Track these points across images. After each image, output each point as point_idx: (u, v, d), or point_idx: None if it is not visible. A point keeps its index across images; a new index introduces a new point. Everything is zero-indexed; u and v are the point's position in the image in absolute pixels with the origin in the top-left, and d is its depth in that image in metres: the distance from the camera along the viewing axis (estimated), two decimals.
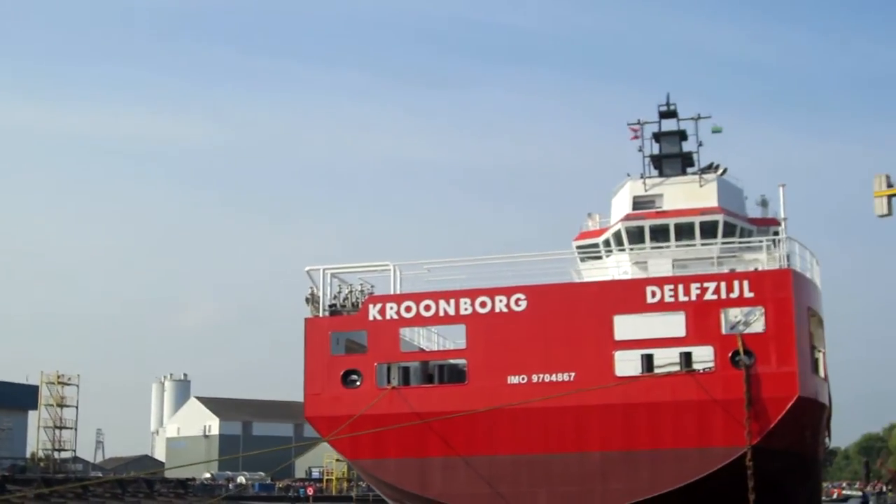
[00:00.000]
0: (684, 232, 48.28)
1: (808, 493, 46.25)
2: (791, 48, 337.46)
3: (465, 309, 41.39)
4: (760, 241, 44.61)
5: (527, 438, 39.92)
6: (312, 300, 43.74)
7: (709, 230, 47.91)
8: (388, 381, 42.01)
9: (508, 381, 40.14)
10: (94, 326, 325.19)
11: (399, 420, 40.53)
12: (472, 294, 41.49)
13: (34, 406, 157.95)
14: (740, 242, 46.21)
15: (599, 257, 50.12)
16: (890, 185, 51.38)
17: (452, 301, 41.60)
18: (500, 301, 41.05)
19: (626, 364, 39.55)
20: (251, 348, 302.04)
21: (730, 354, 38.53)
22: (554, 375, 39.82)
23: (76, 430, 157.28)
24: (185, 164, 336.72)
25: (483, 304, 41.20)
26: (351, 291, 43.95)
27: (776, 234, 50.30)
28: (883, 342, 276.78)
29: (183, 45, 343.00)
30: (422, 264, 43.44)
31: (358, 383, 41.87)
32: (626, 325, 39.77)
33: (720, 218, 48.17)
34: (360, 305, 42.99)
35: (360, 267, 44.19)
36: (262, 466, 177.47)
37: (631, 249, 48.70)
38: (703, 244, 47.09)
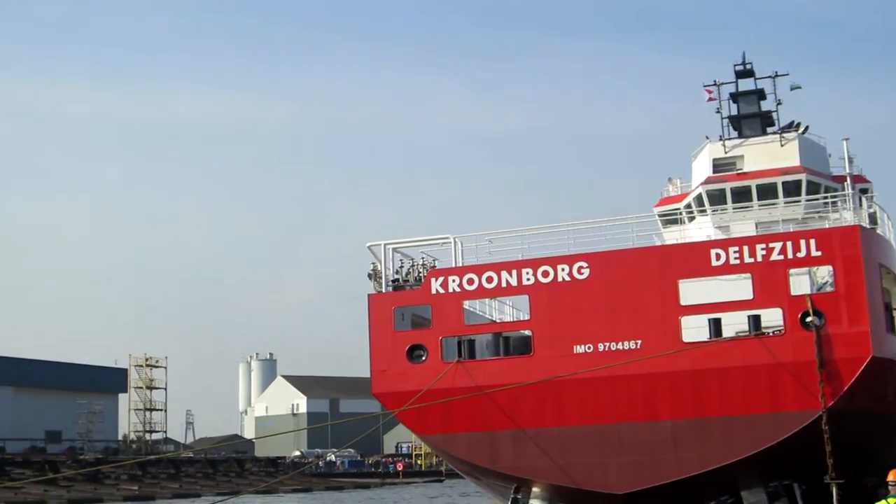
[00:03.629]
0: (767, 193, 47.53)
1: (893, 458, 45.12)
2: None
3: (528, 279, 40.77)
4: (831, 198, 43.66)
5: (595, 408, 39.28)
6: (375, 276, 43.39)
7: (792, 190, 47.16)
8: (460, 354, 41.52)
9: (574, 351, 39.50)
10: (180, 308, 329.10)
11: (465, 393, 40.10)
12: (534, 264, 40.86)
13: (124, 389, 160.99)
14: (825, 200, 45.10)
15: (682, 222, 49.46)
16: None
17: (514, 272, 41.00)
18: (563, 270, 40.38)
19: (694, 329, 38.69)
20: (336, 325, 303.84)
21: (799, 316, 37.40)
22: (620, 343, 39.07)
23: (166, 411, 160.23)
24: (266, 143, 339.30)
25: (545, 274, 40.55)
26: (413, 266, 43.55)
27: (864, 191, 49.46)
28: None
29: (257, 25, 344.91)
30: (483, 235, 42.92)
31: (423, 358, 41.42)
32: (691, 290, 38.93)
33: (803, 177, 47.38)
34: (422, 279, 42.57)
35: (422, 241, 43.74)
36: (352, 444, 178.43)
37: (713, 213, 47.97)
38: (786, 204, 46.23)
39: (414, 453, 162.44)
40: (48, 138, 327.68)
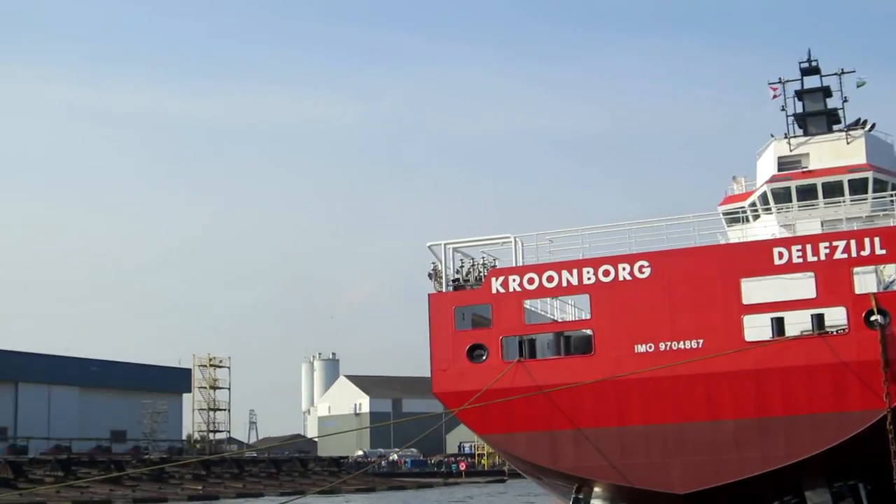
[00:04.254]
0: (832, 191, 47.13)
1: None
2: None
3: (589, 278, 40.64)
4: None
5: (656, 408, 39.06)
6: (435, 275, 43.41)
7: (858, 188, 46.74)
8: (521, 354, 41.43)
9: (636, 351, 39.33)
10: (243, 309, 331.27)
11: (525, 393, 40.03)
12: (595, 263, 40.71)
13: (188, 389, 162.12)
14: (892, 198, 44.65)
15: (747, 221, 49.19)
16: None
17: (575, 271, 40.88)
18: (624, 269, 40.23)
19: (756, 329, 38.38)
20: (398, 325, 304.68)
21: (863, 314, 37.01)
22: (682, 343, 38.84)
23: (229, 411, 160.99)
24: (327, 142, 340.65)
25: (606, 273, 40.39)
26: (473, 265, 43.51)
27: None
28: None
29: (321, 25, 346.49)
30: (543, 235, 42.83)
31: (483, 357, 41.37)
32: (754, 289, 38.63)
33: (869, 175, 46.95)
34: (482, 279, 42.54)
35: (482, 240, 43.70)
36: (414, 443, 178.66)
37: (778, 211, 47.64)
38: (852, 202, 45.84)
39: (477, 453, 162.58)
40: (150, 139, 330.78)
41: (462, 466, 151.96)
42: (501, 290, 41.58)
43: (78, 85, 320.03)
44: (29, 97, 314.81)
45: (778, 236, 44.28)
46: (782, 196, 48.12)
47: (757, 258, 39.13)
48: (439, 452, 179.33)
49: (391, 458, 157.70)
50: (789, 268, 38.43)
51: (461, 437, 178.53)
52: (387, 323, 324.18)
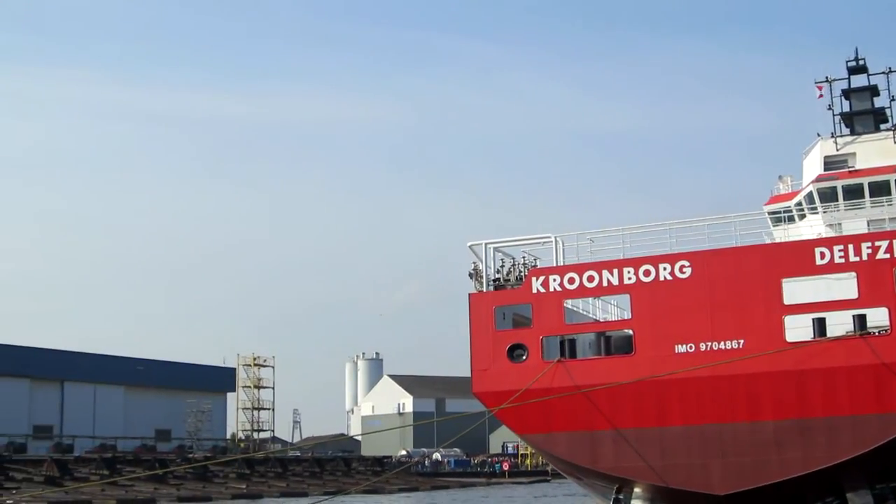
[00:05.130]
0: (879, 190, 46.79)
1: None
2: None
3: (629, 278, 40.59)
4: None
5: (697, 409, 38.97)
6: (476, 275, 43.46)
7: None
8: (561, 354, 41.40)
9: (676, 351, 39.24)
10: (288, 307, 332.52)
11: (565, 393, 39.99)
12: (636, 263, 40.67)
13: (232, 388, 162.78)
14: None
15: (793, 220, 48.97)
16: None
17: (616, 271, 40.85)
18: (665, 269, 40.16)
19: (798, 329, 38.21)
20: (442, 325, 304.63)
21: None
22: (722, 343, 38.75)
23: (273, 410, 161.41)
24: (370, 142, 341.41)
25: (647, 273, 40.35)
26: (514, 265, 43.51)
27: None
28: None
29: (362, 25, 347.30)
30: (584, 234, 42.79)
31: (524, 357, 41.40)
32: (795, 289, 38.45)
33: None
34: (523, 279, 42.53)
35: (522, 240, 43.71)
36: (457, 443, 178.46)
37: (824, 211, 47.40)
38: None
39: (520, 453, 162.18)
40: (196, 139, 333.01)
41: (505, 466, 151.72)
42: (542, 290, 41.60)
43: (122, 85, 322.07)
44: (72, 97, 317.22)
45: (824, 236, 44.02)
46: (828, 195, 47.84)
47: (798, 258, 38.97)
48: (482, 452, 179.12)
49: (434, 457, 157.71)
50: (831, 268, 38.24)
51: (504, 437, 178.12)
52: (431, 323, 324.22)
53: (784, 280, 38.62)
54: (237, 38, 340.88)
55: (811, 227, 47.04)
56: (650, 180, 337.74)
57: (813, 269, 38.44)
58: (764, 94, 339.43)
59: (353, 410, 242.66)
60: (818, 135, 52.14)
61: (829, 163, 49.98)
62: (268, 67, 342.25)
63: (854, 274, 37.82)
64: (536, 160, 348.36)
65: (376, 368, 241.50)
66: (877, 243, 37.98)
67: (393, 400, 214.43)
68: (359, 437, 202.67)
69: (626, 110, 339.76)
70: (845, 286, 37.86)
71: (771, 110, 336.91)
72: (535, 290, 41.71)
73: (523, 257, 43.60)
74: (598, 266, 41.25)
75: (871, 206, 46.30)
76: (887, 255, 37.62)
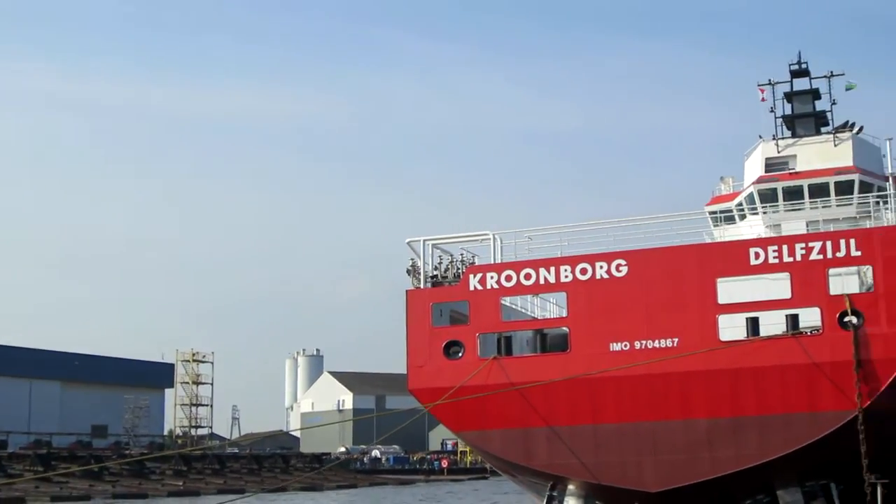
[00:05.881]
0: (819, 192, 47.24)
1: None
2: None
3: (566, 276, 40.68)
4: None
5: (631, 406, 39.14)
6: (414, 271, 43.37)
7: (844, 190, 46.89)
8: (497, 351, 41.50)
9: (611, 349, 39.40)
10: (227, 305, 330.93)
11: (499, 390, 40.03)
12: (573, 261, 40.76)
13: (171, 384, 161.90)
14: (877, 201, 44.82)
15: (734, 221, 49.30)
16: None
17: (553, 269, 40.92)
18: (601, 267, 40.29)
19: (731, 328, 38.51)
20: (383, 322, 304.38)
21: (837, 315, 37.19)
22: (657, 341, 38.95)
23: (212, 406, 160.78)
24: (314, 140, 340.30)
25: (584, 271, 40.46)
26: (452, 262, 43.48)
27: None
28: None
29: (299, 18, 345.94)
30: (522, 232, 42.84)
31: (460, 354, 41.37)
32: (729, 288, 38.73)
33: (856, 177, 47.10)
34: (461, 276, 42.53)
35: (461, 237, 43.70)
36: (396, 440, 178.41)
37: (764, 212, 47.76)
38: (838, 204, 46.01)
39: (459, 450, 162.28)
40: (134, 131, 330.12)
41: (444, 464, 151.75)
42: (479, 287, 41.60)
43: (57, 77, 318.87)
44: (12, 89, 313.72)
45: (763, 237, 44.39)
46: (769, 197, 48.23)
47: (733, 258, 39.26)
48: (422, 450, 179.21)
49: (373, 454, 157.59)
50: (765, 268, 38.55)
51: (444, 435, 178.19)
52: (373, 319, 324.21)
53: (719, 280, 38.88)
54: (169, 29, 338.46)
55: (751, 227, 47.40)
56: (604, 179, 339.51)
57: (747, 270, 38.73)
58: (715, 94, 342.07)
59: (292, 407, 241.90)
60: (760, 137, 52.60)
61: (770, 165, 50.37)
62: (201, 60, 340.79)
63: (787, 274, 38.15)
64: (485, 158, 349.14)
65: (316, 365, 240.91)
66: (810, 244, 38.29)
67: (333, 396, 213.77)
68: (298, 434, 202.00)
69: (578, 110, 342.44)
70: (779, 286, 38.19)
71: (715, 111, 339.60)
72: (472, 288, 41.71)
73: (461, 254, 43.58)
74: (536, 264, 41.29)
75: (811, 208, 46.70)
76: (820, 256, 37.94)
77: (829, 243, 38.16)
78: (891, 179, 43.46)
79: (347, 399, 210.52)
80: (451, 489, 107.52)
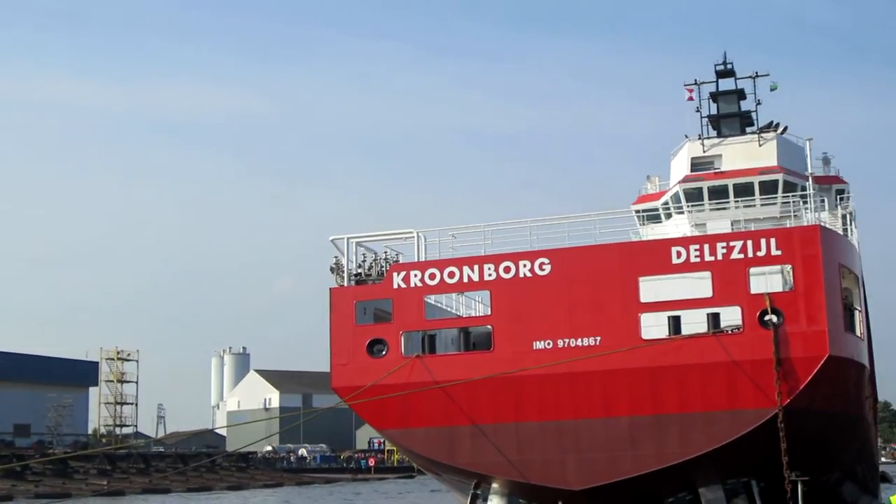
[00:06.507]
0: (744, 191, 47.84)
1: (854, 454, 45.30)
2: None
3: (489, 274, 40.61)
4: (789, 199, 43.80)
5: (554, 404, 39.18)
6: (337, 269, 43.12)
7: (769, 189, 47.48)
8: (422, 349, 41.41)
9: (534, 347, 39.39)
10: (151, 303, 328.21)
11: (422, 388, 39.94)
12: (496, 259, 40.69)
13: (95, 382, 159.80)
14: (802, 200, 45.27)
15: (660, 220, 49.50)
16: None
17: (476, 267, 40.83)
18: (525, 266, 40.25)
19: (653, 327, 38.67)
20: (310, 320, 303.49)
21: (758, 314, 37.45)
22: (579, 340, 39.00)
23: (137, 405, 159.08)
24: (224, 136, 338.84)
25: (507, 270, 40.41)
26: (376, 260, 43.30)
27: (840, 192, 49.79)
28: None
29: (223, 14, 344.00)
30: (447, 230, 42.71)
31: (384, 352, 41.18)
32: (652, 287, 38.86)
33: (780, 177, 47.75)
34: (385, 274, 42.36)
35: (385, 235, 43.53)
36: (324, 439, 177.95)
37: (690, 211, 48.01)
38: (763, 204, 46.36)
39: (386, 449, 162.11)
40: (59, 129, 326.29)
41: (371, 462, 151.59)
42: (403, 286, 41.44)
43: None
44: None
45: (689, 235, 44.61)
46: (694, 196, 48.63)
47: (655, 257, 39.41)
48: (349, 448, 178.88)
49: (300, 453, 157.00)
50: (687, 267, 38.70)
51: (371, 434, 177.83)
52: (300, 318, 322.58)
53: (641, 278, 39.00)
54: (99, 25, 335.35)
55: (677, 226, 47.72)
56: (548, 178, 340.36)
57: (669, 269, 38.86)
58: (639, 95, 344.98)
59: (218, 406, 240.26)
60: (686, 136, 52.98)
61: (696, 164, 50.80)
62: (124, 54, 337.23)
63: (709, 273, 38.34)
64: (423, 158, 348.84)
65: (243, 363, 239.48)
66: (731, 244, 38.51)
67: (259, 395, 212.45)
68: (224, 433, 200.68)
69: (520, 110, 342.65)
70: (700, 285, 38.37)
71: (644, 110, 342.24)
72: (395, 286, 41.54)
73: (385, 252, 43.41)
74: (459, 262, 41.19)
75: (736, 208, 47.02)
76: (741, 256, 38.17)
77: (749, 242, 38.42)
78: (811, 179, 43.82)
79: (274, 397, 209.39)
80: (377, 488, 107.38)
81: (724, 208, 47.65)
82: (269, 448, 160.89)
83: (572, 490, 38.87)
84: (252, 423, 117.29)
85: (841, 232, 43.39)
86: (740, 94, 54.36)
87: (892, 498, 23.89)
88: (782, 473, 36.46)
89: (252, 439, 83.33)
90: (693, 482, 39.01)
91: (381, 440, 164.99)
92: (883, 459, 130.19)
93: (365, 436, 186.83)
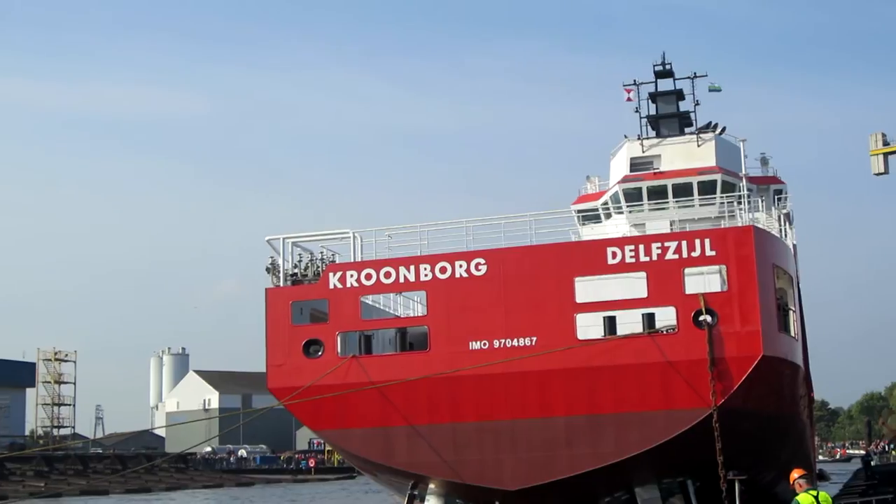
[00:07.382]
0: (683, 192, 48.07)
1: (790, 453, 45.60)
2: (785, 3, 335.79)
3: (426, 275, 40.53)
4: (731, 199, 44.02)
5: (489, 405, 39.13)
6: (273, 270, 42.92)
7: (707, 189, 47.78)
8: (358, 350, 41.38)
9: (470, 347, 39.35)
10: (90, 303, 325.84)
11: (358, 388, 39.82)
12: (433, 259, 40.61)
13: (32, 383, 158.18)
14: (739, 200, 45.53)
15: (599, 220, 49.62)
16: (886, 144, 51.35)
17: (412, 267, 40.72)
18: (461, 266, 40.20)
19: (589, 327, 38.79)
20: (250, 320, 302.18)
21: (692, 314, 37.62)
22: (515, 340, 38.98)
23: (75, 406, 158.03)
24: (171, 136, 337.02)
25: (443, 270, 40.33)
26: (312, 260, 43.11)
27: (778, 192, 50.17)
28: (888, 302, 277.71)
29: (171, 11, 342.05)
30: (383, 230, 42.60)
31: (320, 353, 40.98)
32: (587, 287, 38.94)
33: (718, 177, 48.11)
34: (321, 274, 42.17)
35: (321, 235, 43.37)
36: (264, 439, 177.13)
37: (629, 211, 48.15)
38: (701, 204, 46.56)
39: (327, 450, 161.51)
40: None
41: (311, 463, 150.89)
42: (339, 286, 41.26)
43: None
44: None
45: (628, 236, 44.72)
46: (634, 196, 48.86)
47: (591, 257, 39.45)
48: (290, 449, 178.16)
49: (240, 454, 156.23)
50: (622, 267, 38.78)
51: (311, 434, 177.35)
52: (241, 318, 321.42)
53: (576, 279, 39.05)
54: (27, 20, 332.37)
55: (616, 226, 47.87)
56: (481, 179, 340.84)
57: (605, 269, 38.91)
58: (578, 95, 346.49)
59: (157, 406, 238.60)
60: (625, 136, 53.18)
61: (635, 164, 51.05)
62: (59, 50, 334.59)
63: (644, 274, 38.46)
64: (356, 158, 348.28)
65: (182, 364, 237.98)
66: (666, 244, 38.63)
67: (199, 396, 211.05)
68: (163, 434, 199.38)
69: (452, 109, 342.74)
70: (636, 285, 38.49)
71: (583, 110, 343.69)
72: (332, 286, 41.35)
73: (321, 252, 43.24)
74: (396, 262, 41.07)
75: (675, 207, 47.23)
76: (676, 256, 38.28)
77: (684, 243, 38.53)
78: (744, 180, 44.13)
79: (213, 398, 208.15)
80: (318, 489, 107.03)
81: (664, 208, 47.88)
82: (209, 449, 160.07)
83: (507, 490, 38.87)
84: (191, 424, 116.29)
85: (777, 232, 43.72)
86: (679, 95, 54.74)
87: (797, 498, 23.93)
88: (717, 473, 36.62)
89: (192, 440, 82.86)
90: (629, 482, 39.19)
91: (321, 441, 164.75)
92: (820, 458, 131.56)
93: (305, 436, 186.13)
